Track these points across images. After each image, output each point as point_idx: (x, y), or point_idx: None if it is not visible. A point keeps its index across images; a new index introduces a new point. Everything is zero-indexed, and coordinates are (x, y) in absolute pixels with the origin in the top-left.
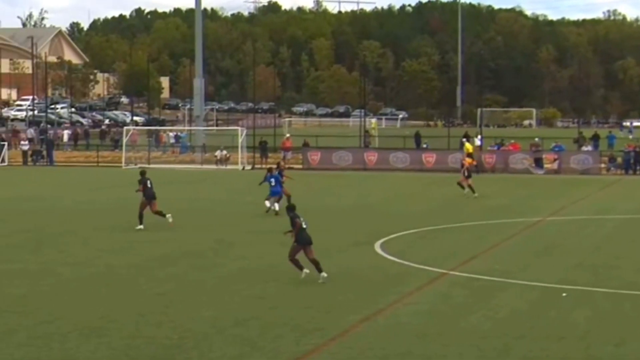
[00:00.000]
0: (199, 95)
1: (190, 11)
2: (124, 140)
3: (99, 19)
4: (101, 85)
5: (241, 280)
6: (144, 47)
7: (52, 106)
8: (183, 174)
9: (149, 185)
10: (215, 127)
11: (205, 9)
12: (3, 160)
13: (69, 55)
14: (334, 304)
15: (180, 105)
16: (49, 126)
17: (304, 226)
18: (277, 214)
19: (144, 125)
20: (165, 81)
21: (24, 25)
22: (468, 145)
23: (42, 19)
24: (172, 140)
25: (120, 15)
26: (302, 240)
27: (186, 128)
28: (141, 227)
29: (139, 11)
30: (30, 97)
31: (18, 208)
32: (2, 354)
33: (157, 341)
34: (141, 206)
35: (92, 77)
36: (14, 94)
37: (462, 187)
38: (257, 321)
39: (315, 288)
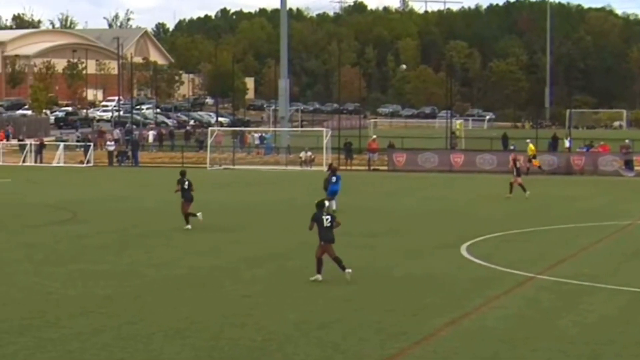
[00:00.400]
0: (283, 96)
1: (276, 11)
2: (209, 141)
3: (184, 20)
4: (186, 86)
5: (325, 282)
6: (229, 47)
7: (138, 107)
8: (267, 175)
9: (185, 187)
10: (300, 128)
11: (290, 9)
12: (89, 161)
13: (155, 56)
14: (419, 307)
15: (265, 106)
16: (134, 127)
17: (327, 224)
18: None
19: (228, 126)
20: (250, 82)
21: (110, 26)
22: (531, 147)
23: (128, 19)
24: (257, 142)
25: (206, 16)
26: (324, 238)
27: (271, 129)
28: (189, 227)
29: (224, 11)
30: (116, 97)
31: (103, 209)
32: (88, 354)
33: (241, 343)
34: (183, 207)
35: (177, 77)
36: (99, 95)
37: (511, 189)
38: (341, 324)
39: (400, 290)
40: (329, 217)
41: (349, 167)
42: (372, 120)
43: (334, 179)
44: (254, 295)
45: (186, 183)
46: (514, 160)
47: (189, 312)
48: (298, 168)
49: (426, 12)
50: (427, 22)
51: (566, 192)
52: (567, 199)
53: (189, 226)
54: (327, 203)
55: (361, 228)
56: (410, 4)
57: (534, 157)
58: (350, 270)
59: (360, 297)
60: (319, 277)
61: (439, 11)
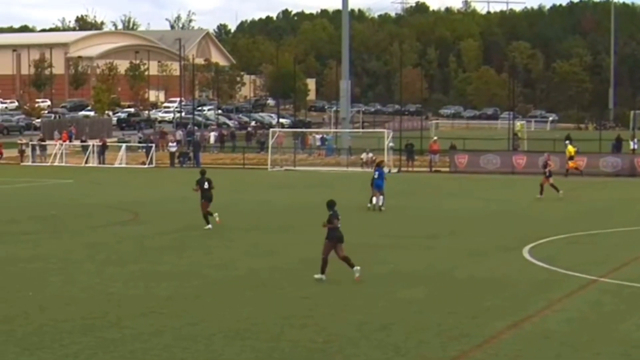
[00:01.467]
0: (345, 97)
1: (337, 12)
2: (270, 142)
3: (246, 21)
4: (247, 87)
5: (386, 283)
6: (291, 48)
7: (199, 108)
8: (328, 176)
9: (205, 187)
10: (361, 130)
11: (352, 10)
12: (151, 162)
13: (216, 57)
14: (480, 309)
15: (326, 107)
16: (195, 128)
17: (338, 225)
18: (380, 210)
19: (290, 127)
20: (311, 83)
21: (172, 27)
22: (570, 148)
23: (190, 21)
24: (318, 143)
25: (267, 17)
26: (333, 238)
27: (332, 130)
28: (209, 227)
29: (285, 12)
30: (178, 99)
31: (164, 209)
32: (149, 355)
33: (301, 344)
34: (202, 206)
35: (238, 79)
36: (161, 96)
37: (541, 190)
38: (402, 325)
39: (462, 293)
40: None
41: (410, 169)
42: (434, 121)
43: (376, 174)
44: (314, 296)
45: (206, 183)
46: (546, 162)
47: (249, 313)
48: (359, 169)
49: (488, 12)
50: (490, 23)
51: (630, 195)
52: (631, 201)
53: (209, 226)
54: (373, 200)
55: (423, 230)
56: (473, 4)
57: (572, 158)
58: (358, 268)
59: (421, 299)
60: (323, 277)
61: (502, 12)
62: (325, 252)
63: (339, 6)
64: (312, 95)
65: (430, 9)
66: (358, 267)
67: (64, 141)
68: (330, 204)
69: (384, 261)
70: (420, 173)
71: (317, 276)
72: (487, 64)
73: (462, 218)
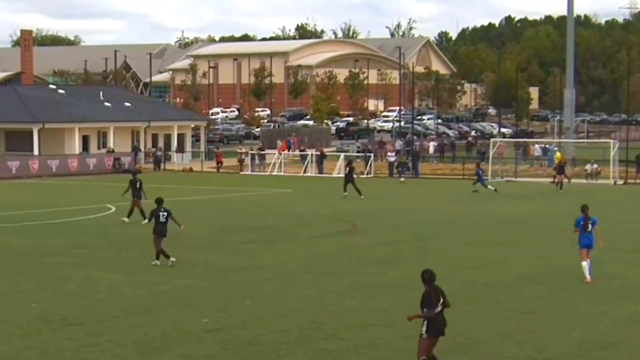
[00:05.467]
0: (569, 106)
1: (562, 19)
2: (491, 152)
3: (467, 28)
4: (468, 96)
5: (611, 300)
6: (513, 56)
7: (419, 117)
8: (550, 187)
9: (161, 219)
10: (585, 140)
11: (577, 16)
12: (369, 172)
13: (436, 66)
14: None
15: (549, 116)
16: (415, 137)
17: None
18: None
19: (511, 137)
20: (534, 92)
21: (392, 35)
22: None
23: (410, 28)
24: (539, 153)
25: (490, 24)
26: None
27: (555, 140)
28: (157, 262)
29: (508, 19)
30: (397, 108)
31: (382, 220)
32: None
33: None
34: (155, 242)
35: (459, 87)
36: (381, 105)
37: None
38: (627, 345)
39: None
40: None
41: (638, 181)
42: None
43: (579, 223)
44: (535, 312)
45: (162, 215)
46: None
47: (465, 328)
48: (583, 181)
49: None
50: None
51: None
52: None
53: (157, 262)
54: (583, 264)
55: None
56: None
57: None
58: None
59: None
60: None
61: None
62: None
63: (564, 12)
64: (534, 104)
65: None
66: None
67: (283, 150)
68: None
69: (610, 276)
70: None
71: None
72: None
73: None
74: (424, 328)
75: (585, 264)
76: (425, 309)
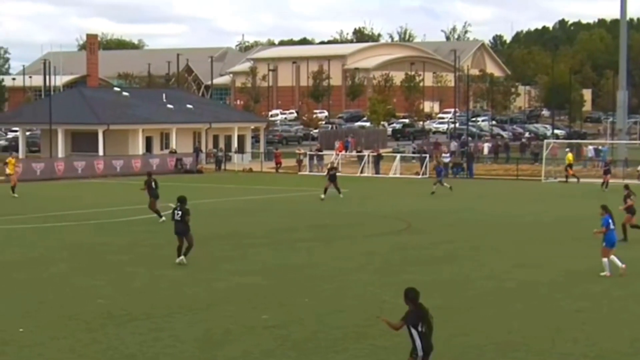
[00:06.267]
0: (621, 108)
1: (615, 22)
2: (544, 153)
3: (521, 31)
4: (522, 98)
5: None
6: (566, 59)
7: (473, 119)
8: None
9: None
10: (638, 141)
11: (630, 20)
12: (424, 173)
13: (491, 68)
14: None
15: (602, 118)
16: (469, 139)
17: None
18: None
19: (564, 138)
20: (587, 93)
21: (448, 38)
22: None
23: (465, 32)
24: (592, 154)
25: (544, 27)
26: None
27: (607, 142)
28: (163, 219)
29: (562, 22)
30: (452, 109)
31: (437, 220)
32: None
33: (573, 358)
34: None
35: (513, 89)
36: (436, 107)
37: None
38: None
39: None
40: None
41: None
42: None
43: (609, 222)
44: (586, 310)
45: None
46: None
47: (520, 325)
48: (636, 181)
49: None
50: None
51: None
52: None
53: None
54: (604, 260)
55: None
56: None
57: (570, 166)
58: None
59: None
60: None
61: None
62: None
63: (617, 15)
64: (587, 106)
65: None
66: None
67: (340, 151)
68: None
69: None
70: None
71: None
72: None
73: None
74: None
75: (608, 261)
76: (401, 320)
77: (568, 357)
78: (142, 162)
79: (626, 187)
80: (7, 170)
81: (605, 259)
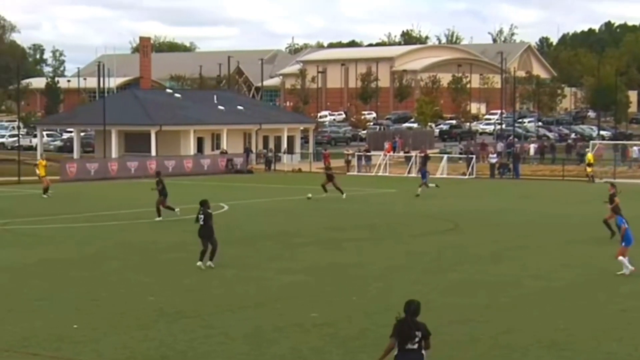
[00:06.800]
0: None
1: None
2: (590, 154)
3: (568, 34)
4: (568, 100)
5: None
6: (612, 60)
7: (520, 120)
8: None
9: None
10: None
11: None
12: (471, 173)
13: (537, 70)
14: None
15: None
16: (515, 140)
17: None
18: None
19: (610, 139)
20: (633, 95)
21: (494, 40)
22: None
23: (512, 34)
24: (638, 155)
25: (590, 29)
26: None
27: None
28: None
29: (608, 25)
30: (499, 111)
31: (483, 220)
32: None
33: (618, 357)
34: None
35: (559, 91)
36: (482, 108)
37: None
38: None
39: None
40: None
41: None
42: None
43: (622, 221)
44: (631, 309)
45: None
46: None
47: (566, 324)
48: None
49: None
50: None
51: None
52: None
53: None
54: (621, 258)
55: None
56: None
57: (590, 165)
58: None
59: None
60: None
61: None
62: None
63: None
64: (633, 107)
65: None
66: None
67: (388, 152)
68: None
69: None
70: None
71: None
72: None
73: None
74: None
75: (624, 259)
76: (390, 338)
77: (613, 357)
78: (193, 162)
79: (612, 185)
80: (38, 172)
81: (622, 257)
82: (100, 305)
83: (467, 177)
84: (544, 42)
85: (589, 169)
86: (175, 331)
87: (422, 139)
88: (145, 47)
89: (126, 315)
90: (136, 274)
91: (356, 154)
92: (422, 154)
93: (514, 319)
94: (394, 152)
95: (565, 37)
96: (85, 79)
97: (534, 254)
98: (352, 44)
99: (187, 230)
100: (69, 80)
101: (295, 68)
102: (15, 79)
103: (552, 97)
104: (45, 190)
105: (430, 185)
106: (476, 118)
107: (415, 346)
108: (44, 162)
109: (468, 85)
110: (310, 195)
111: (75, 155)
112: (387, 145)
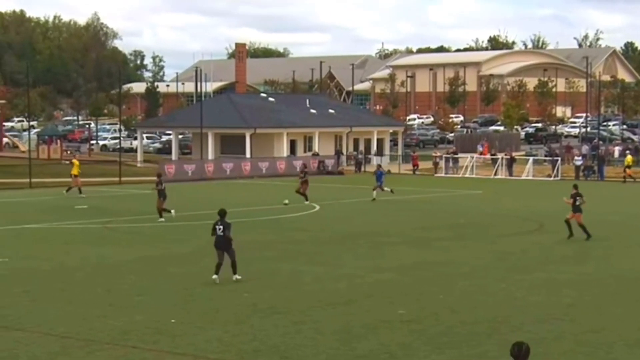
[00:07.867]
0: None
1: None
2: None
3: None
4: None
5: None
6: None
7: (604, 123)
8: None
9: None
10: None
11: None
12: (556, 175)
13: (622, 74)
14: None
15: None
16: (600, 142)
17: None
18: None
19: None
20: None
21: (580, 45)
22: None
23: (597, 39)
24: None
25: None
26: None
27: None
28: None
29: None
30: (584, 114)
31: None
32: (549, 358)
33: None
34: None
35: None
36: (568, 112)
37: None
38: None
39: None
40: None
41: None
42: None
43: None
44: None
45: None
46: None
47: None
48: None
49: None
50: None
51: None
52: None
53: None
54: None
55: None
56: None
57: (629, 167)
58: None
59: None
60: None
61: None
62: None
63: None
64: None
65: None
66: None
67: (485, 154)
68: None
69: None
70: None
71: None
72: None
73: None
74: None
75: None
76: None
77: None
78: (286, 164)
79: (575, 186)
80: (73, 172)
81: None
82: (197, 300)
83: (552, 179)
84: (628, 46)
85: (628, 171)
86: (268, 326)
87: (508, 142)
88: (241, 53)
89: (222, 311)
90: (231, 271)
91: (444, 156)
92: (508, 156)
93: (598, 317)
94: (489, 154)
95: None
96: (183, 83)
97: (619, 254)
98: (441, 49)
99: (281, 229)
100: (167, 85)
101: (385, 73)
102: (117, 83)
103: (637, 100)
104: (68, 189)
105: (385, 189)
106: (561, 121)
107: None
108: (77, 162)
109: (554, 89)
110: (287, 201)
111: (174, 156)
112: (481, 147)
